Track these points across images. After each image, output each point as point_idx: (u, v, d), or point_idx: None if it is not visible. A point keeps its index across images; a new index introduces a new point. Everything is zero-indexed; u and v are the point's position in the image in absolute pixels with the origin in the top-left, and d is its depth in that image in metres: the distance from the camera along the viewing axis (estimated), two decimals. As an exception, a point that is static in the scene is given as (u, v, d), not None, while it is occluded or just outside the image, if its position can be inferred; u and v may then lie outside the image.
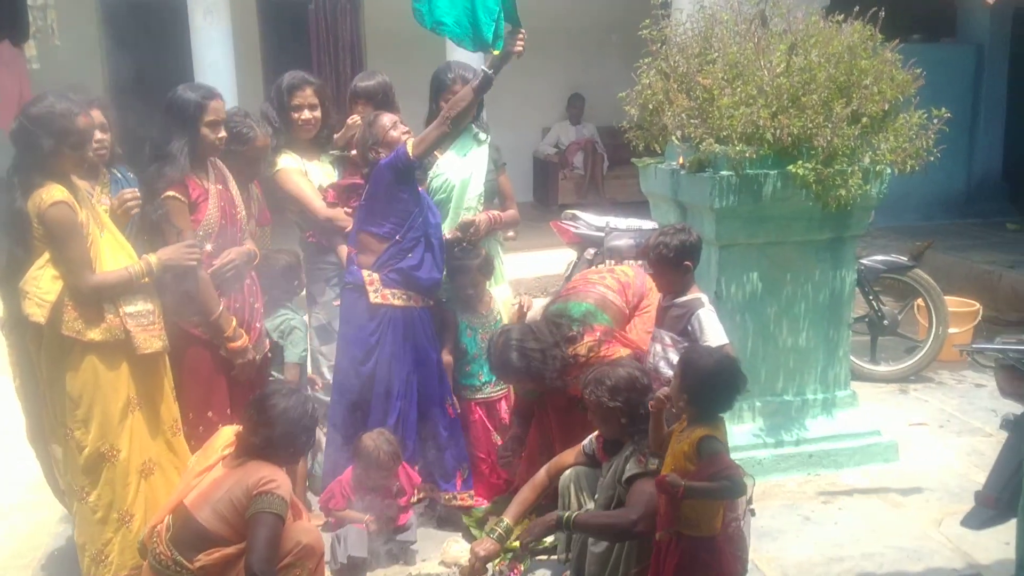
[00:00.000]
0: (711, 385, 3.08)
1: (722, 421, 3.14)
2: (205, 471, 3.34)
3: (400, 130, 4.12)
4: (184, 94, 3.84)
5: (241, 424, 3.40)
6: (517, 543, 3.75)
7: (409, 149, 3.95)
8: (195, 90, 3.90)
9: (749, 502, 3.21)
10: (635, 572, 3.26)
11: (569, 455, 3.73)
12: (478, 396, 4.45)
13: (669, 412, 3.22)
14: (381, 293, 4.10)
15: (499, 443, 4.39)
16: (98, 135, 3.81)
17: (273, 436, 3.28)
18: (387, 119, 4.17)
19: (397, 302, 4.10)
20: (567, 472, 3.70)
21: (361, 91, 4.62)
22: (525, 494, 3.70)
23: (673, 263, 3.81)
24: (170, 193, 3.68)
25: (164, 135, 3.76)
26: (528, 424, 4.13)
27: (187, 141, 3.73)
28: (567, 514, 3.38)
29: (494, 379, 4.38)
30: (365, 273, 4.10)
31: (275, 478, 3.19)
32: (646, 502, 3.19)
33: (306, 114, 4.41)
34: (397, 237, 4.06)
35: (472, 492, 4.36)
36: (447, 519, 4.30)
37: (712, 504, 3.04)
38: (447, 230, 4.42)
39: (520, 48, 3.91)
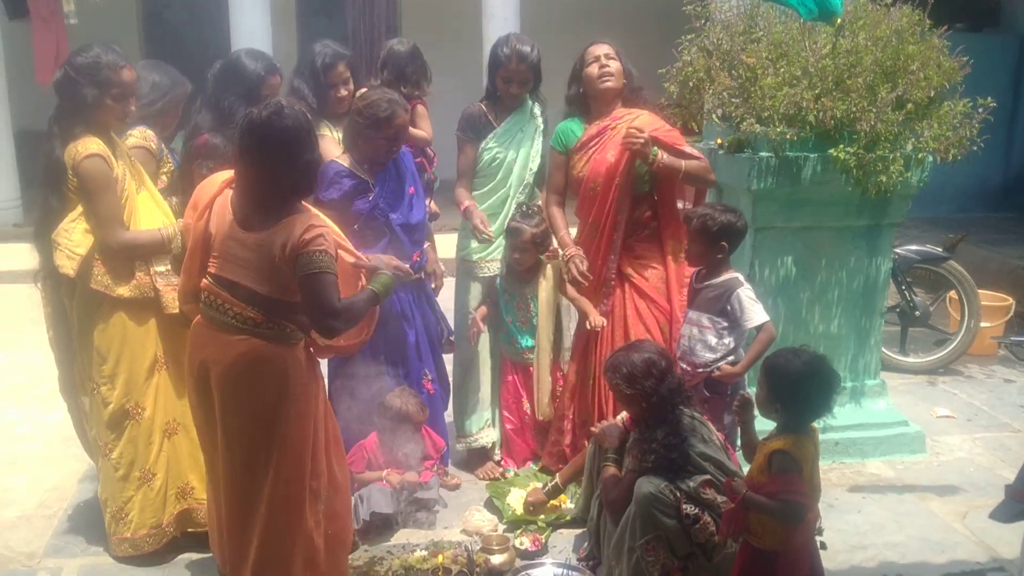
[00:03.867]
0: (803, 390, 2.92)
1: (811, 433, 2.99)
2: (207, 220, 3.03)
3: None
4: (248, 64, 3.84)
5: (238, 161, 2.94)
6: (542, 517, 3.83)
7: None
8: (257, 60, 3.90)
9: (819, 533, 3.12)
10: (640, 542, 3.26)
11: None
12: (515, 359, 4.49)
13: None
14: None
15: (529, 412, 4.46)
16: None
17: (287, 167, 2.85)
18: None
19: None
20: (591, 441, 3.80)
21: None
22: (579, 461, 3.90)
23: (711, 238, 3.74)
24: None
25: (220, 98, 3.78)
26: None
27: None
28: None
29: (532, 347, 4.40)
30: None
31: (319, 231, 2.85)
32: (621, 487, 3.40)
33: (342, 91, 4.37)
34: (355, 227, 3.98)
35: (448, 471, 4.41)
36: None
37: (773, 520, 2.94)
38: (504, 208, 4.44)
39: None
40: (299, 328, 3.02)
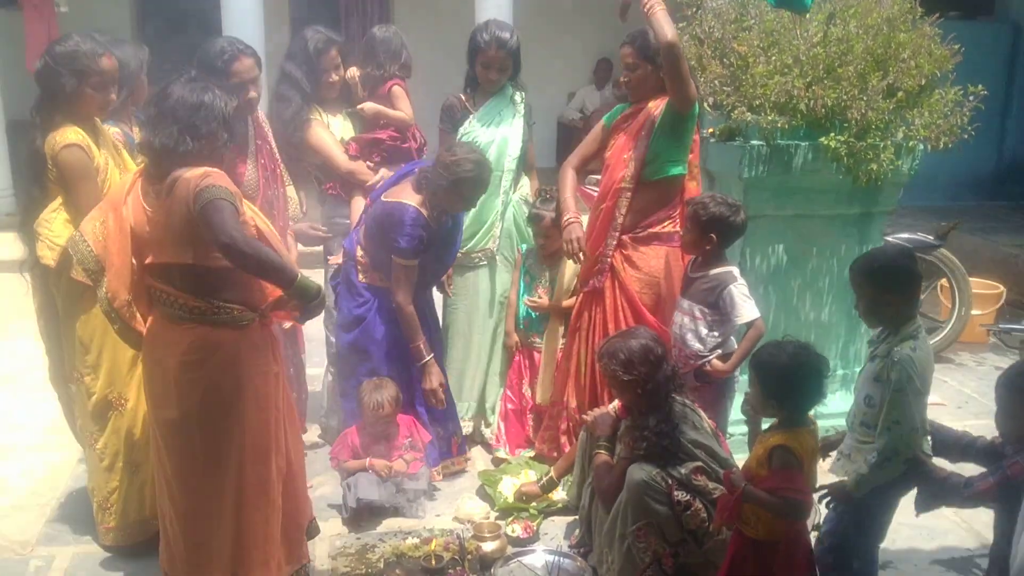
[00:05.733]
0: (795, 381, 2.90)
1: (811, 426, 2.97)
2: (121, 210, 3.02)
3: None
4: (215, 45, 3.84)
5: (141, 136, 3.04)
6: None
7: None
8: (227, 42, 3.89)
9: (816, 528, 3.14)
10: (632, 529, 3.28)
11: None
12: (523, 341, 4.55)
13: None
14: (369, 274, 4.15)
15: (528, 396, 4.52)
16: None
17: (179, 131, 2.89)
18: None
19: (384, 284, 4.12)
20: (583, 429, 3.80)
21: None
22: (573, 454, 3.89)
23: (700, 227, 3.74)
24: None
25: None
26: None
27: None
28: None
29: (539, 331, 4.47)
30: (360, 249, 4.15)
31: (208, 173, 2.87)
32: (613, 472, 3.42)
33: (334, 76, 4.42)
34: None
35: (467, 456, 4.48)
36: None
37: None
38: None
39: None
40: (247, 308, 3.01)
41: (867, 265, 3.11)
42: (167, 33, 8.89)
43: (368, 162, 4.47)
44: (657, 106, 3.96)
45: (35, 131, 3.42)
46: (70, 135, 3.35)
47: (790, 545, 2.94)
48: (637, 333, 3.49)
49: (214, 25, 8.58)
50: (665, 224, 4.03)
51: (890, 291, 3.01)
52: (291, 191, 4.20)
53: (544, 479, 3.98)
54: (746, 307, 3.72)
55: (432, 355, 4.14)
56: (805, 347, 2.99)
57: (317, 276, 4.82)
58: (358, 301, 4.18)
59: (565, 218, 4.08)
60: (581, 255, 4.04)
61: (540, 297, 4.47)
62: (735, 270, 3.81)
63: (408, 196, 4.03)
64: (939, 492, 2.93)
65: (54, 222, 3.41)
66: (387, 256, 4.03)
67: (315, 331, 4.69)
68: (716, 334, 3.78)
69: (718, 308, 3.75)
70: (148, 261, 3.01)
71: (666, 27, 3.66)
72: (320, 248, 4.64)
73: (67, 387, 3.71)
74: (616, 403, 3.64)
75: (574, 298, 4.31)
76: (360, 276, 4.17)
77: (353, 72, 4.54)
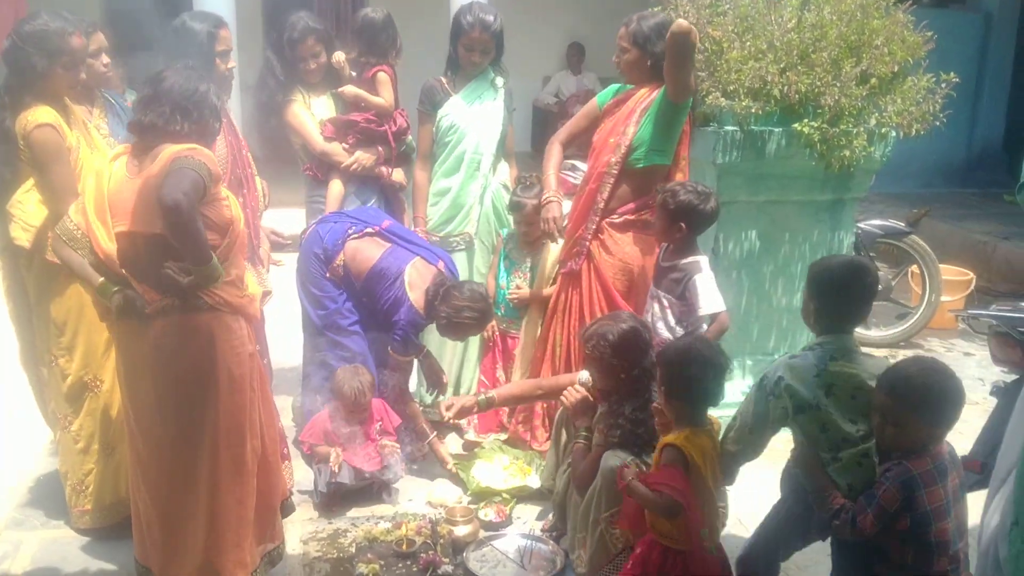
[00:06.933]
0: (689, 375, 2.87)
1: (709, 427, 2.96)
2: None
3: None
4: (192, 24, 3.77)
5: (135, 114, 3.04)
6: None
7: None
8: (203, 20, 3.83)
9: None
10: (606, 515, 3.28)
11: (565, 379, 3.79)
12: (500, 326, 4.55)
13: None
14: (339, 279, 4.20)
15: (502, 381, 4.49)
16: (104, 59, 3.76)
17: (171, 111, 2.91)
18: None
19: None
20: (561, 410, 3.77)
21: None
22: (524, 393, 4.08)
23: (669, 215, 3.70)
24: None
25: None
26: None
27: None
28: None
29: (514, 317, 4.49)
30: (341, 256, 4.17)
31: (195, 148, 2.87)
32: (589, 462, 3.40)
33: (312, 64, 4.41)
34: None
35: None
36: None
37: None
38: (460, 176, 4.47)
39: None
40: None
41: (812, 264, 3.06)
42: (135, 11, 8.76)
43: (343, 143, 4.47)
44: (650, 92, 3.95)
45: (4, 112, 3.37)
46: (41, 115, 3.31)
47: (700, 553, 2.87)
48: (626, 317, 3.47)
49: (185, 7, 8.47)
50: (643, 213, 4.00)
51: (812, 296, 2.95)
52: (257, 181, 4.16)
53: (484, 396, 3.96)
54: (709, 299, 3.69)
55: (436, 433, 4.23)
56: (705, 342, 3.00)
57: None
58: (326, 292, 4.19)
59: (545, 196, 4.09)
60: (557, 235, 4.06)
61: (517, 284, 4.46)
62: (703, 261, 3.76)
63: (420, 292, 4.06)
64: (829, 526, 2.79)
65: (27, 203, 3.38)
66: (369, 305, 4.17)
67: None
68: (684, 324, 3.76)
69: (685, 299, 3.74)
70: (119, 230, 2.93)
71: (682, 22, 3.70)
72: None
73: (38, 370, 3.68)
74: (586, 375, 3.61)
75: (554, 286, 4.29)
76: (328, 274, 4.18)
77: (338, 57, 4.49)
